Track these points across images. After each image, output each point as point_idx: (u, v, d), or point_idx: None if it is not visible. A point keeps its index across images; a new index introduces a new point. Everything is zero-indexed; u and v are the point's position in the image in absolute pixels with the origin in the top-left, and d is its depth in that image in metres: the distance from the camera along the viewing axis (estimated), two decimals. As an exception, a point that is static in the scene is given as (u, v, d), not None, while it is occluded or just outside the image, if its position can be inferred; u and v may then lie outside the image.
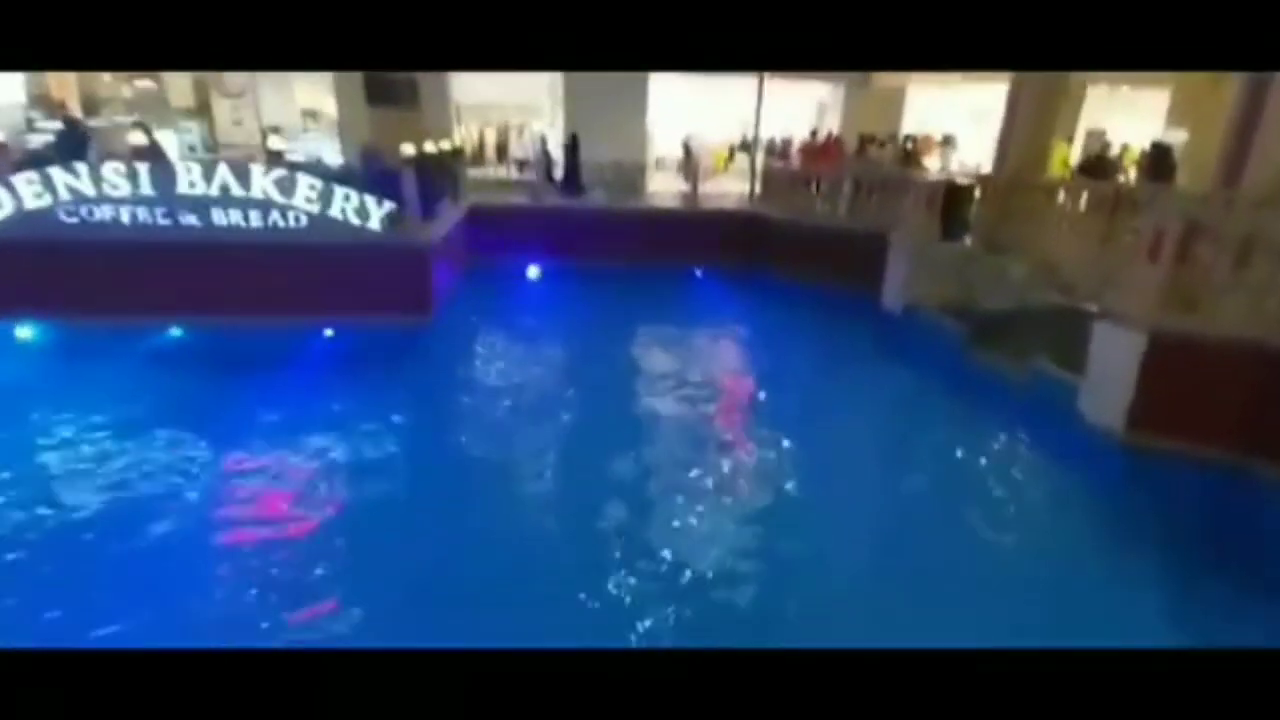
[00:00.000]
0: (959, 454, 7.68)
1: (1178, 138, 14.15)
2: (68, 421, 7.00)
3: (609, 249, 13.94)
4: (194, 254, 9.17)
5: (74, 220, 8.91)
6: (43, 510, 5.54)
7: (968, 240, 11.12)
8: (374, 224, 9.38)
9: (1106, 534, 6.03)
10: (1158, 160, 11.96)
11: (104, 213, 8.93)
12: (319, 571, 4.97)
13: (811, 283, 12.95)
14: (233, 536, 5.37)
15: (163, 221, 9.07)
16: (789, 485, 6.60)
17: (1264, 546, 5.72)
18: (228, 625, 4.45)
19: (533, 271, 13.78)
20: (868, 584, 5.27)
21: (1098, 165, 12.79)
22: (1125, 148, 15.63)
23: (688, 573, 5.09)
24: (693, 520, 5.86)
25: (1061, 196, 10.54)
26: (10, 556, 4.98)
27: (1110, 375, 6.93)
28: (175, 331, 9.45)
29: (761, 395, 8.85)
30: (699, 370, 9.53)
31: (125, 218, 8.99)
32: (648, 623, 4.56)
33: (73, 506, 5.60)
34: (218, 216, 9.09)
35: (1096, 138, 16.19)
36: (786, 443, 7.36)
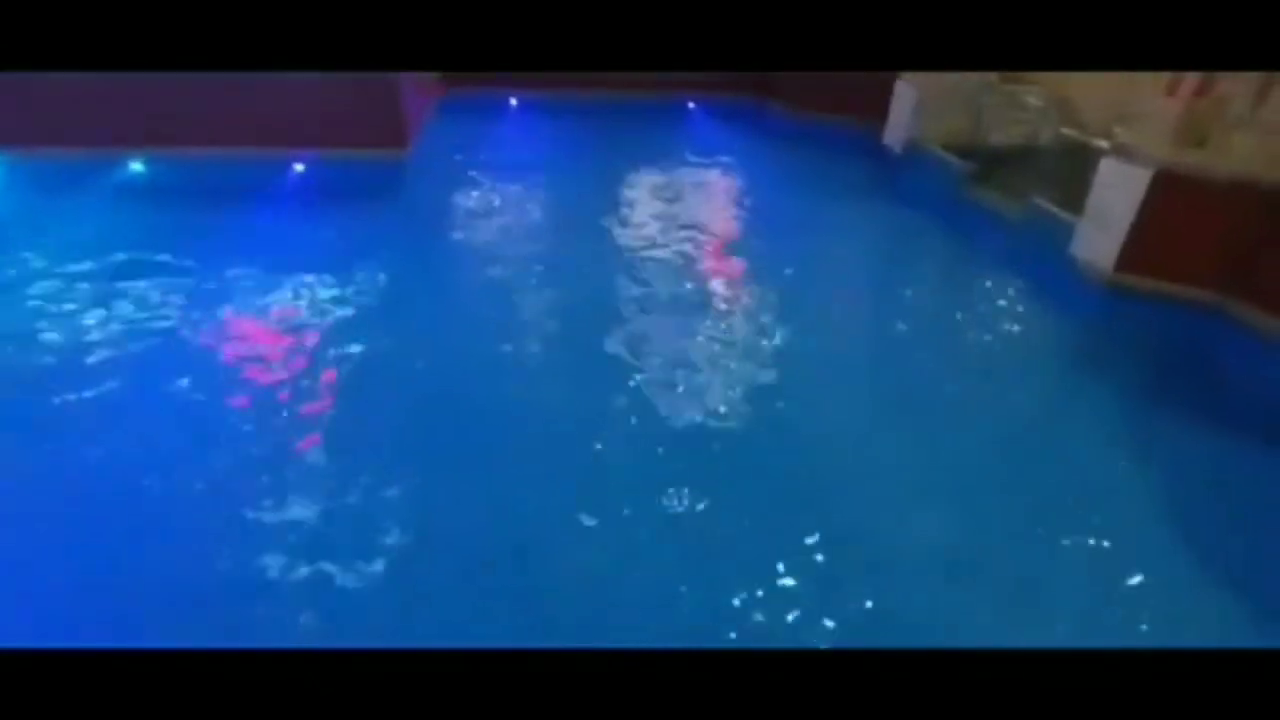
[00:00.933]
0: (942, 291, 7.78)
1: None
2: (25, 262, 6.75)
3: (592, 77, 12.88)
4: (151, 80, 8.39)
5: None
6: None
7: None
8: (335, 42, 8.54)
9: (1075, 366, 6.30)
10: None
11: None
12: (317, 418, 5.08)
13: (810, 116, 12.21)
14: (227, 388, 5.32)
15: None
16: (777, 324, 6.68)
17: (1224, 380, 6.05)
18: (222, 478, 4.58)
19: (513, 101, 12.84)
20: (852, 413, 5.54)
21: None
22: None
23: (683, 416, 5.25)
24: (685, 361, 5.97)
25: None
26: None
27: (1108, 214, 6.79)
28: (136, 165, 8.92)
29: (751, 235, 8.67)
30: (690, 208, 9.24)
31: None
32: (638, 471, 4.74)
33: (44, 350, 5.53)
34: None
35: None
36: (774, 282, 7.36)
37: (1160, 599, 3.99)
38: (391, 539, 4.06)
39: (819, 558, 4.07)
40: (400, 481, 4.47)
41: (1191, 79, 6.31)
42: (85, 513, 4.15)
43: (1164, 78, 6.64)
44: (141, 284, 6.53)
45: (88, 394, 5.10)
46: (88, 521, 4.09)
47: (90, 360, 5.48)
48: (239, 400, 5.18)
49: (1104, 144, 7.39)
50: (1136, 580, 4.09)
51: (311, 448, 4.74)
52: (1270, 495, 4.79)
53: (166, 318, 6.07)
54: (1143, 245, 6.58)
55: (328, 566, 3.84)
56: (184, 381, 5.28)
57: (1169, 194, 6.38)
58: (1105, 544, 4.34)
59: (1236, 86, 6.27)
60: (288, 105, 8.83)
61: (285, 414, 5.05)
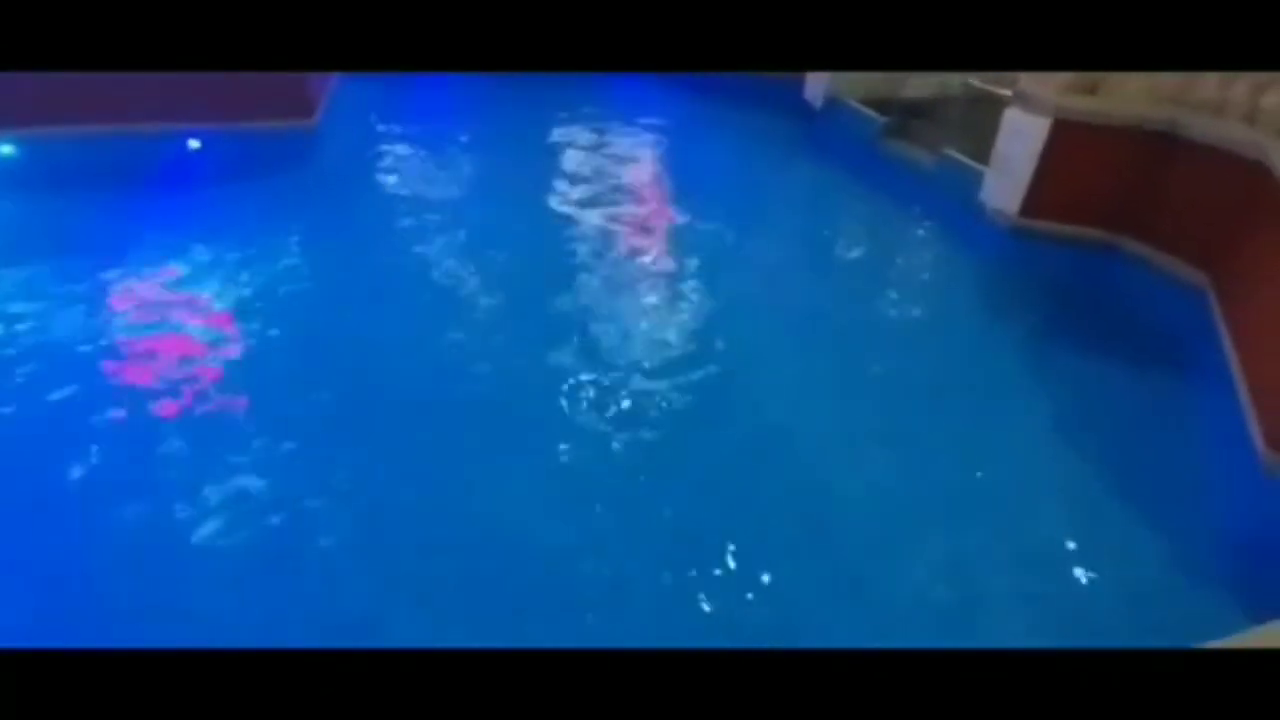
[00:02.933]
0: (860, 239, 8.05)
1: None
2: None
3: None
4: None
5: None
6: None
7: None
8: (222, 5, 7.93)
9: (984, 304, 6.68)
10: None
11: None
12: (239, 405, 4.85)
13: (732, 74, 12.18)
14: (127, 397, 4.92)
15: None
16: (704, 274, 6.83)
17: (1118, 311, 6.50)
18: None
19: (427, 65, 12.30)
20: (767, 353, 5.73)
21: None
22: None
23: (613, 377, 5.28)
24: (608, 316, 5.99)
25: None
26: None
27: (1012, 161, 7.07)
28: (6, 148, 8.12)
29: (677, 192, 8.69)
30: (613, 170, 9.15)
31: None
32: (564, 429, 4.77)
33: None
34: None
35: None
36: (702, 235, 7.49)
37: (1052, 516, 4.32)
38: (316, 510, 4.00)
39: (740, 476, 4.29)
40: (323, 456, 4.37)
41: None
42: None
43: (1061, 26, 6.90)
44: (26, 273, 6.02)
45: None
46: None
47: None
48: (144, 386, 4.89)
49: (1007, 93, 7.65)
50: (1034, 502, 4.42)
51: (226, 426, 4.56)
52: (1155, 408, 5.27)
53: (58, 309, 5.64)
54: (1044, 190, 6.89)
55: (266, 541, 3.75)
56: (75, 387, 4.89)
57: (1065, 139, 6.67)
58: (1009, 467, 4.69)
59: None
60: (181, 76, 8.18)
61: (197, 394, 4.80)
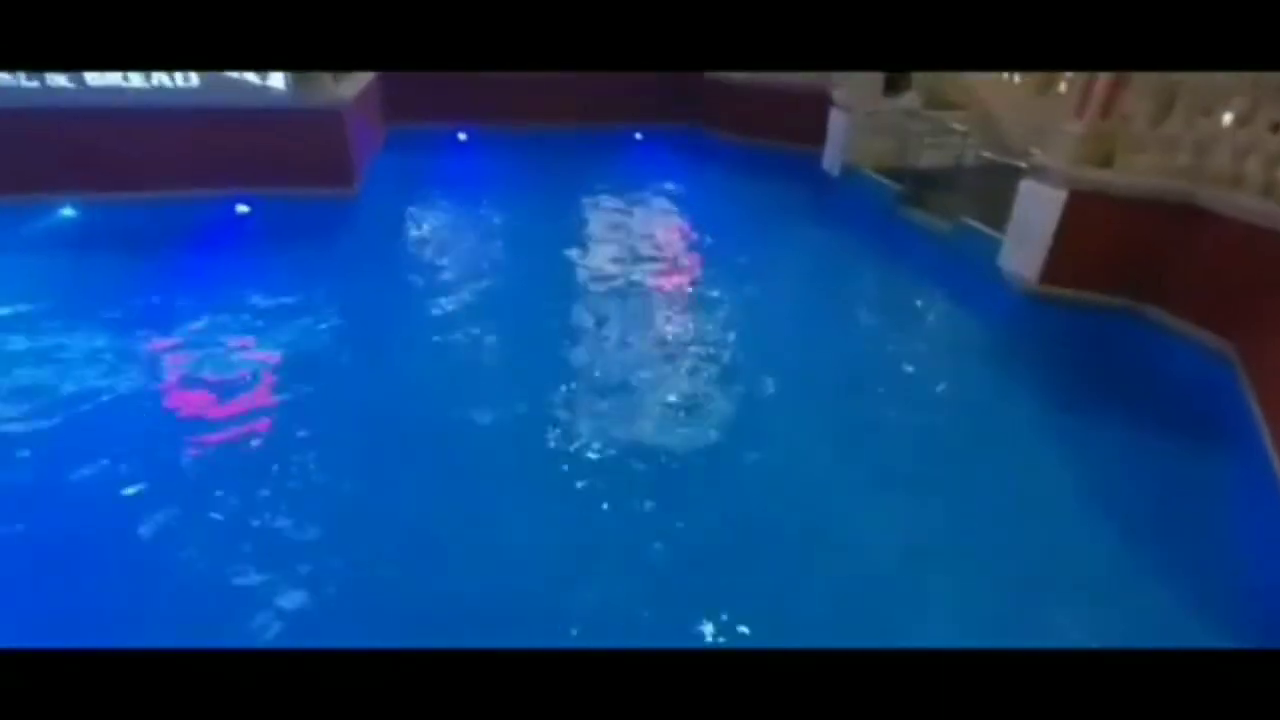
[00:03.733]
0: (882, 302, 8.16)
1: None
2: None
3: (541, 110, 13.14)
4: (78, 120, 8.22)
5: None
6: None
7: (910, 96, 10.92)
8: (275, 80, 8.52)
9: (1006, 367, 6.63)
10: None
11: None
12: (274, 464, 4.94)
13: (754, 144, 12.68)
14: (175, 438, 5.14)
15: (28, 84, 8.02)
16: (723, 338, 6.91)
17: (1137, 374, 6.44)
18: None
19: (461, 136, 12.95)
20: (793, 416, 5.74)
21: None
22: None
23: (635, 430, 5.35)
24: (636, 379, 6.07)
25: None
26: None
27: (1029, 230, 7.22)
28: (67, 210, 8.66)
29: (699, 260, 8.92)
30: (638, 234, 9.45)
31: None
32: (596, 483, 4.81)
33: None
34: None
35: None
36: (721, 304, 7.60)
37: (1078, 579, 4.20)
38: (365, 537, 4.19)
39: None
40: (355, 501, 4.51)
41: (1096, 101, 6.80)
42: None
43: (1073, 100, 7.15)
44: (80, 323, 6.35)
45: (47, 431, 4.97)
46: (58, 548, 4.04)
47: (42, 402, 5.29)
48: (195, 431, 5.10)
49: (1022, 165, 7.88)
50: (1056, 560, 4.32)
51: (267, 476, 4.66)
52: (1174, 471, 5.16)
53: (104, 362, 5.88)
54: (1063, 257, 7.00)
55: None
56: (138, 426, 5.14)
57: (1083, 209, 6.83)
58: (1029, 525, 4.60)
59: (1137, 106, 6.79)
60: (232, 146, 8.73)
61: (241, 441, 4.94)
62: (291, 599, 3.83)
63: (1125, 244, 6.83)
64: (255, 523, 4.32)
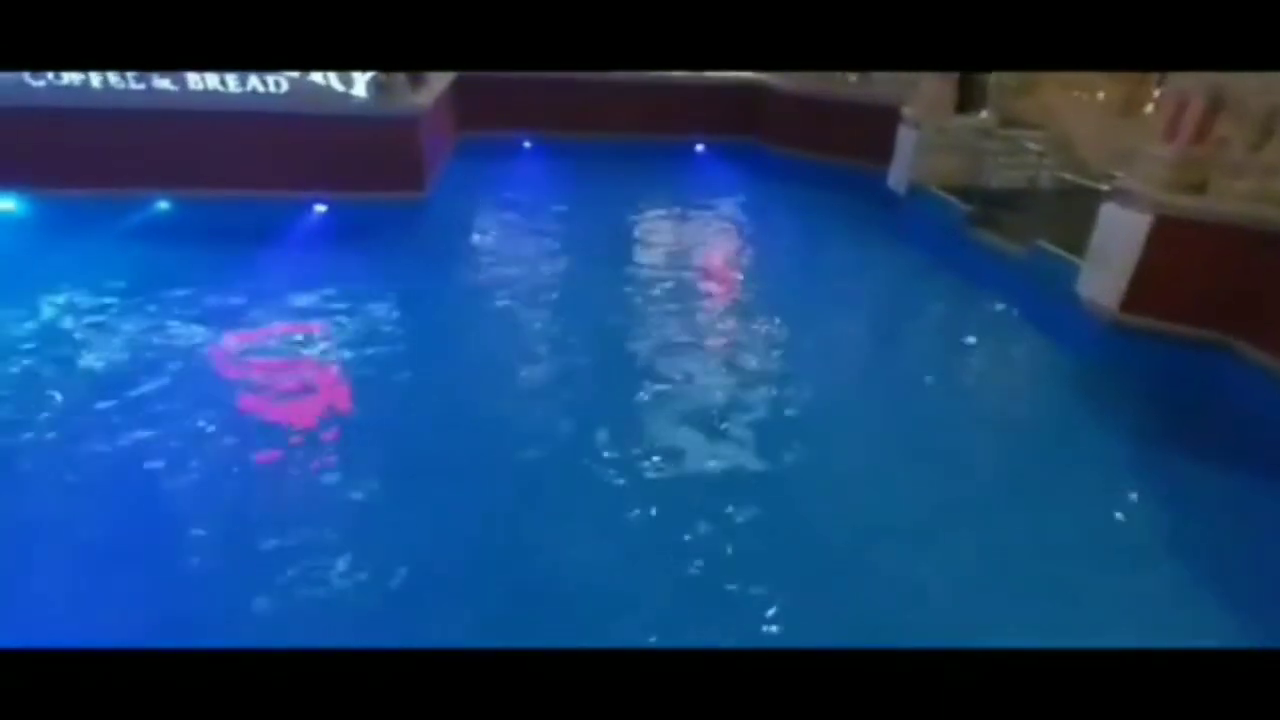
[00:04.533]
0: (954, 327, 7.89)
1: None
2: (58, 298, 6.99)
3: (605, 121, 13.31)
4: (172, 122, 8.76)
5: (40, 84, 8.43)
6: (50, 392, 5.60)
7: (984, 114, 10.64)
8: (359, 90, 8.90)
9: (1088, 402, 6.34)
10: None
11: (71, 75, 8.45)
12: (335, 450, 5.19)
13: (818, 159, 12.54)
14: (250, 425, 5.44)
15: (135, 86, 8.59)
16: (786, 360, 6.82)
17: (1230, 416, 6.08)
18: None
19: (527, 144, 13.23)
20: (860, 444, 5.62)
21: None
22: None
23: (696, 442, 5.37)
24: (699, 392, 6.07)
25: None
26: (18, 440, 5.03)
27: (1111, 256, 6.92)
28: (163, 204, 9.22)
29: (761, 275, 8.87)
30: (702, 247, 9.47)
31: (95, 81, 8.51)
32: (660, 498, 4.84)
33: (77, 385, 5.68)
34: (192, 77, 8.60)
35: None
36: (783, 321, 7.49)
37: (1171, 626, 3.99)
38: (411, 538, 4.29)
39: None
40: (419, 495, 4.65)
41: (1189, 124, 6.49)
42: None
43: (1161, 123, 6.85)
44: (174, 314, 6.83)
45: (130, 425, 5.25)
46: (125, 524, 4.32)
47: (123, 387, 5.65)
48: (268, 423, 5.34)
49: (1103, 187, 7.58)
50: (1149, 610, 4.11)
51: (332, 470, 4.87)
52: (1269, 521, 4.83)
53: (192, 344, 6.33)
54: (1147, 286, 6.69)
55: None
56: (211, 407, 5.47)
57: (1170, 236, 6.51)
58: (1116, 574, 4.37)
59: (1234, 131, 6.45)
60: (314, 150, 9.15)
61: (310, 436, 5.17)
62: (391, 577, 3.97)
63: (1217, 274, 6.48)
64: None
